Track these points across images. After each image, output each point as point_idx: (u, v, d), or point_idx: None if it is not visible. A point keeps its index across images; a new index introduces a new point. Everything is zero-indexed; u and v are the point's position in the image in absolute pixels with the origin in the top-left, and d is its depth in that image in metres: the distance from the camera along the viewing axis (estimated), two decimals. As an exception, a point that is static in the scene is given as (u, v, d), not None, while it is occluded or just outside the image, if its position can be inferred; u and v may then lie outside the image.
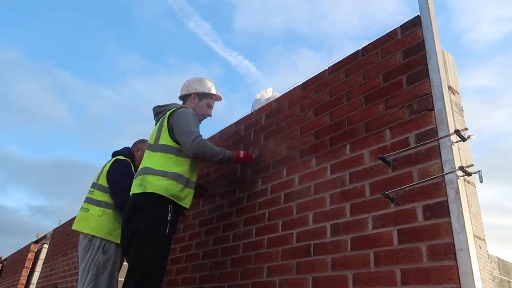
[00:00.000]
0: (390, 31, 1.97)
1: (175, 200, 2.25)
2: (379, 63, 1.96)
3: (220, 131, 3.18)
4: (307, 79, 2.41)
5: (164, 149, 2.35)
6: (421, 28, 1.79)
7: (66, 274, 5.42)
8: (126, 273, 2.16)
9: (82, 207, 2.90)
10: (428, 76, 1.68)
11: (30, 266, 8.54)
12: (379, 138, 1.80)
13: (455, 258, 1.35)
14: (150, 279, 2.10)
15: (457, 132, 1.47)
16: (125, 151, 3.09)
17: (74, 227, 2.88)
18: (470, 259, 1.31)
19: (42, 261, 7.58)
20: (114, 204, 2.78)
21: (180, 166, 2.31)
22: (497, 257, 3.81)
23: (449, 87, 1.70)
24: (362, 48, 2.11)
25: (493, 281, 1.43)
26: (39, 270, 7.50)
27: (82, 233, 2.80)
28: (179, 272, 2.89)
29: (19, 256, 9.40)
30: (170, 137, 2.36)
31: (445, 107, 1.56)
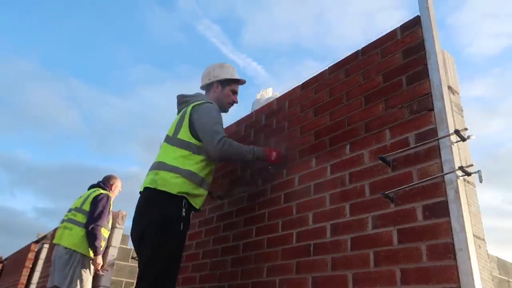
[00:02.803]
0: (390, 31, 1.97)
1: (187, 197, 2.13)
2: (379, 63, 1.96)
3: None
4: (307, 79, 2.41)
5: (182, 144, 2.20)
6: (421, 28, 1.80)
7: (66, 274, 5.41)
8: (138, 274, 2.07)
9: (64, 226, 3.66)
10: (428, 76, 1.69)
11: (31, 266, 8.53)
12: (379, 138, 1.81)
13: (455, 258, 1.35)
14: (166, 279, 1.99)
15: (457, 132, 1.48)
16: (106, 185, 3.94)
17: (56, 241, 3.64)
18: (469, 259, 1.31)
19: (43, 261, 7.58)
20: (84, 224, 3.56)
21: (196, 164, 2.17)
22: (497, 257, 3.82)
23: (449, 87, 1.70)
24: (362, 48, 2.11)
25: (492, 280, 1.44)
26: (40, 270, 7.50)
27: (65, 247, 3.51)
28: (179, 272, 2.89)
29: (20, 256, 9.39)
30: (190, 132, 2.21)
31: (445, 107, 1.57)
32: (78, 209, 3.70)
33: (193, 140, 2.20)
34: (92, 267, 3.60)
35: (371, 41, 2.07)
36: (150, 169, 2.27)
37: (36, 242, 8.75)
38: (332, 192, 1.92)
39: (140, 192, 2.26)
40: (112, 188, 3.99)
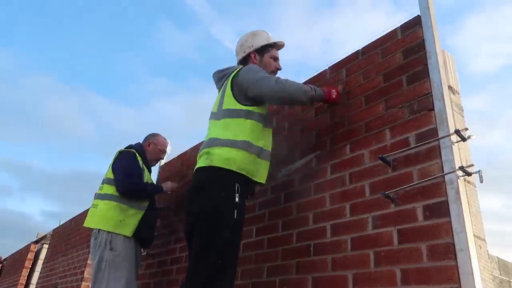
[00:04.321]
0: (390, 31, 1.97)
1: (247, 175, 1.88)
2: (379, 63, 1.96)
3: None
4: (307, 79, 2.41)
5: (230, 113, 1.97)
6: (421, 28, 1.79)
7: (66, 274, 5.41)
8: (188, 268, 1.82)
9: (92, 204, 2.86)
10: (428, 76, 1.68)
11: (30, 266, 8.53)
12: (379, 138, 1.80)
13: (455, 258, 1.35)
14: (220, 274, 1.72)
15: (457, 132, 1.47)
16: (135, 146, 3.02)
17: (85, 225, 2.83)
18: (470, 259, 1.31)
19: (42, 261, 7.57)
20: (117, 191, 2.71)
21: (250, 132, 1.92)
22: (497, 257, 3.82)
23: (449, 87, 1.70)
24: (362, 48, 2.11)
25: (493, 281, 1.43)
26: (39, 270, 7.50)
27: (91, 229, 2.76)
28: (179, 272, 2.89)
29: (19, 256, 9.39)
30: (236, 99, 1.99)
31: (445, 107, 1.56)
32: (103, 181, 2.91)
33: (241, 106, 1.97)
34: (135, 251, 2.72)
35: (371, 41, 2.07)
36: (199, 151, 2.03)
37: (36, 242, 8.74)
38: (332, 192, 1.92)
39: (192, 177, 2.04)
40: (148, 148, 3.04)
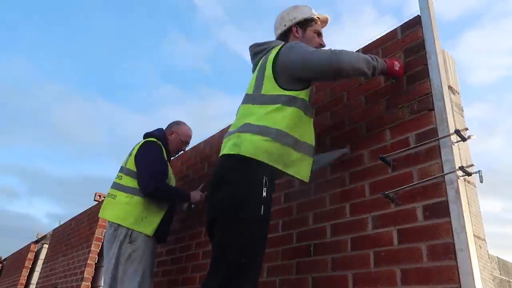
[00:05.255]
0: (390, 31, 1.97)
1: (280, 168, 1.68)
2: (379, 63, 1.96)
3: (221, 130, 3.17)
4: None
5: (269, 100, 1.74)
6: (421, 28, 1.79)
7: (66, 274, 5.41)
8: (209, 267, 1.63)
9: (109, 193, 2.67)
10: (428, 76, 1.68)
11: (30, 266, 8.53)
12: (379, 138, 1.80)
13: (455, 258, 1.35)
14: (242, 274, 1.53)
15: (457, 132, 1.47)
16: (157, 133, 2.78)
17: (100, 215, 2.65)
18: (470, 259, 1.31)
19: (42, 261, 7.57)
20: (141, 191, 2.52)
21: (289, 120, 1.70)
22: (497, 257, 3.81)
23: (449, 87, 1.70)
24: (362, 47, 2.11)
25: (493, 281, 1.43)
26: (39, 270, 7.50)
27: (108, 221, 2.59)
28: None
29: (19, 256, 9.39)
30: (277, 83, 1.76)
31: (445, 107, 1.56)
32: (122, 169, 2.69)
33: (281, 91, 1.74)
34: (153, 248, 2.58)
35: (372, 40, 2.07)
36: (227, 136, 1.81)
37: (36, 242, 8.74)
38: (332, 192, 1.92)
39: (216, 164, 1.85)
40: (171, 137, 2.83)
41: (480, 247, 1.42)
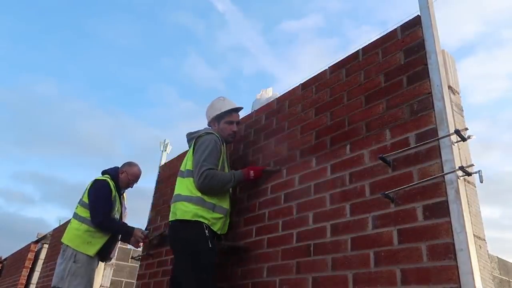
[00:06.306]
0: (390, 31, 1.97)
1: (206, 222, 2.22)
2: (379, 63, 1.96)
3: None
4: (308, 78, 2.41)
5: (190, 174, 2.36)
6: (421, 28, 1.79)
7: (66, 274, 5.40)
8: (178, 280, 2.27)
9: (71, 219, 3.30)
10: (428, 76, 1.68)
11: (30, 266, 8.52)
12: (379, 138, 1.80)
13: (455, 258, 1.35)
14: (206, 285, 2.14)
15: (457, 132, 1.47)
16: (111, 171, 3.39)
17: (61, 239, 3.25)
18: (470, 259, 1.31)
19: (42, 261, 7.57)
20: (91, 220, 3.13)
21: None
22: (497, 257, 3.81)
23: (449, 87, 1.70)
24: (363, 47, 2.11)
25: (493, 281, 1.43)
26: (39, 270, 7.50)
27: (62, 243, 3.20)
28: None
29: (19, 256, 9.38)
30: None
31: (445, 107, 1.56)
32: (79, 201, 3.32)
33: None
34: (95, 264, 3.21)
35: (372, 40, 2.07)
36: (170, 204, 2.43)
37: (36, 242, 8.73)
38: (332, 192, 1.92)
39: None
40: (120, 176, 3.40)
41: (480, 247, 1.42)
